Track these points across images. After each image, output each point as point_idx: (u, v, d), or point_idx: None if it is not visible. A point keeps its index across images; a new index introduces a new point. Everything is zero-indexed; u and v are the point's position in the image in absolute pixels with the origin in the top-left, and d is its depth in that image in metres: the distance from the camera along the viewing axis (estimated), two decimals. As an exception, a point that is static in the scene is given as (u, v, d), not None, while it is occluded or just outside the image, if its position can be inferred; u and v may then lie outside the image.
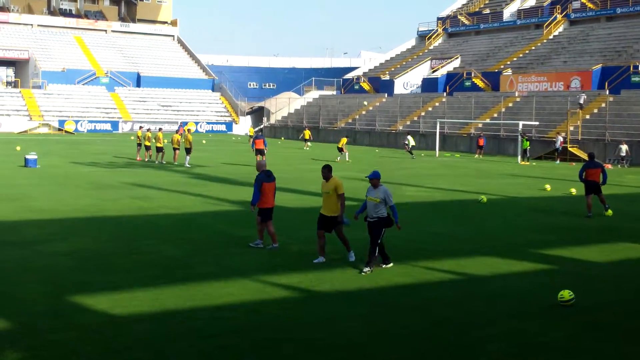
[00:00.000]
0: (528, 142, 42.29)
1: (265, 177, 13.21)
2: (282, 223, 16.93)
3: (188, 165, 32.37)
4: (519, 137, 42.98)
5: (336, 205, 12.30)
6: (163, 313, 9.23)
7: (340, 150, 39.48)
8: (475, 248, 14.18)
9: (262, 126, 75.94)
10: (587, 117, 47.78)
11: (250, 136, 50.12)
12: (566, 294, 9.97)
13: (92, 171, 28.64)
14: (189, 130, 36.97)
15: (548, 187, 26.21)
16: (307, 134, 53.05)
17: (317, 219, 12.53)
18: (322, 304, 9.94)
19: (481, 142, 46.56)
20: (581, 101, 48.52)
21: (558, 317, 9.54)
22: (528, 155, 42.21)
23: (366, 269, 11.59)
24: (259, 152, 34.31)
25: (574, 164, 39.85)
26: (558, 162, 42.00)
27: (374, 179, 12.09)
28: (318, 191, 23.27)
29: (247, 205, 19.83)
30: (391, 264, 12.10)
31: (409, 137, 44.09)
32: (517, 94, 56.84)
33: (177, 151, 34.11)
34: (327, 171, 12.46)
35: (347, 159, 38.93)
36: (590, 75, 53.67)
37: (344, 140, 40.26)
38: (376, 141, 60.31)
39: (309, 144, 52.40)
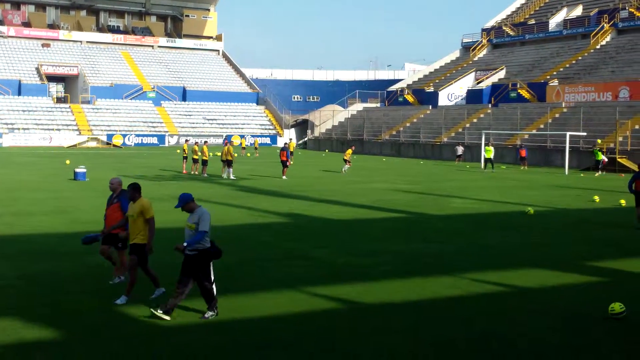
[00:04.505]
0: (601, 154, 41.60)
1: (113, 197, 11.47)
2: (328, 235, 16.96)
3: (233, 178, 32.78)
4: (595, 149, 42.41)
5: (142, 232, 10.26)
6: (210, 324, 9.28)
7: (346, 161, 38.79)
8: (523, 260, 13.98)
9: (306, 139, 76.26)
10: (637, 127, 46.92)
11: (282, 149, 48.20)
12: (617, 307, 9.77)
13: (139, 184, 28.98)
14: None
15: (597, 198, 25.78)
16: (292, 145, 48.96)
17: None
18: (368, 316, 9.89)
19: (523, 153, 46.08)
20: None
21: (609, 330, 9.35)
22: (600, 166, 41.42)
23: (210, 314, 9.55)
24: (283, 164, 34.37)
25: (623, 175, 39.13)
26: (604, 173, 41.20)
27: (185, 205, 9.84)
28: (361, 203, 23.32)
29: (294, 217, 19.94)
30: (212, 313, 9.62)
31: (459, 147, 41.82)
32: (563, 104, 56.09)
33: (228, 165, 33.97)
34: (133, 191, 10.47)
35: (343, 171, 38.01)
36: (639, 85, 52.72)
37: (350, 151, 39.78)
38: (420, 153, 60.05)
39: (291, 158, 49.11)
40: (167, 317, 9.30)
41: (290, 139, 54.29)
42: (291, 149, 48.64)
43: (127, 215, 10.48)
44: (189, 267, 9.49)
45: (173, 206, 22.20)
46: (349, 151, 39.81)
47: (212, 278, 9.63)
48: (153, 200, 22.20)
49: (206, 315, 9.52)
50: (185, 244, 9.42)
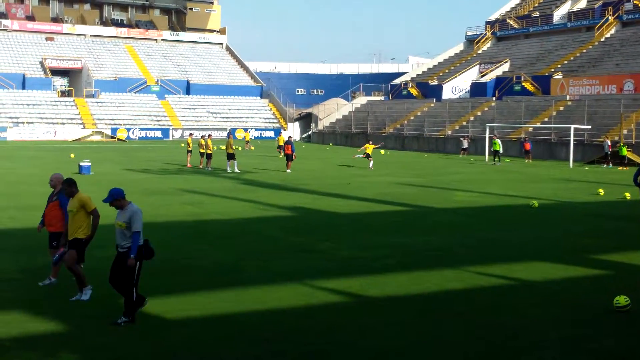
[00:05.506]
0: (625, 148, 41.51)
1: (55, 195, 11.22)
2: (332, 228, 16.96)
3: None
4: (608, 143, 42.16)
5: (83, 227, 10.23)
6: (213, 317, 9.29)
7: (368, 156, 37.39)
8: (528, 253, 13.97)
9: (309, 132, 76.22)
10: (642, 120, 46.77)
11: (279, 146, 46.25)
12: (622, 300, 9.75)
13: (144, 178, 29.05)
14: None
15: (601, 191, 25.72)
16: (281, 140, 46.67)
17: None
18: (371, 309, 9.90)
19: (527, 146, 45.98)
20: None
21: (613, 323, 9.33)
22: (626, 161, 41.30)
23: (123, 319, 8.93)
24: (288, 157, 34.37)
25: (627, 167, 39.03)
26: (610, 166, 41.01)
27: (115, 201, 9.18)
28: (365, 196, 23.31)
29: (298, 210, 19.93)
30: (147, 304, 9.38)
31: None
32: (568, 97, 55.95)
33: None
34: (68, 187, 10.41)
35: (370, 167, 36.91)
36: (644, 78, 52.57)
37: (370, 146, 38.00)
38: (425, 146, 59.96)
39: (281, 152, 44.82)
40: (125, 320, 8.95)
41: (280, 134, 52.61)
42: (280, 143, 46.83)
43: (68, 211, 10.33)
44: (119, 264, 9.06)
45: (175, 199, 22.03)
46: (370, 147, 37.92)
47: (137, 279, 9.02)
48: (156, 194, 22.28)
49: (122, 320, 8.89)
50: (132, 256, 8.87)
